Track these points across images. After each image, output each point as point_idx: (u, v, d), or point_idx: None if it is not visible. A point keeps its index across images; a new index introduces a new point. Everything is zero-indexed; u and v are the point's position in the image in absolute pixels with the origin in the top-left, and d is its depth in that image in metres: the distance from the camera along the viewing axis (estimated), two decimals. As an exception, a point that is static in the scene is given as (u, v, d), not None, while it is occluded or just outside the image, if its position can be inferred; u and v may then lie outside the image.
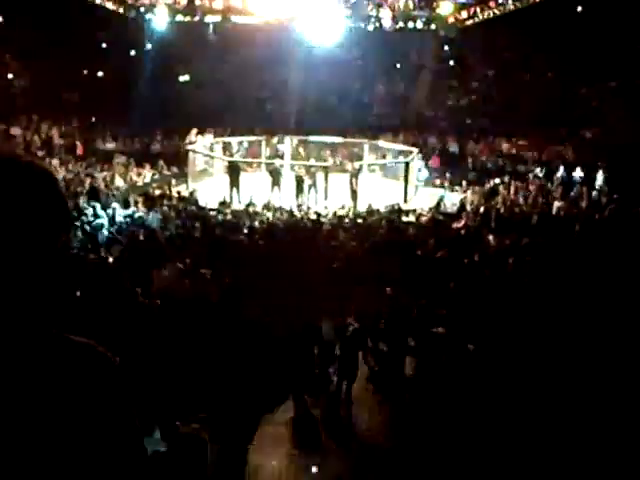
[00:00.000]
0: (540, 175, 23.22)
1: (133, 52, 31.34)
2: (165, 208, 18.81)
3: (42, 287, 1.57)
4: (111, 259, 14.04)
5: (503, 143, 26.94)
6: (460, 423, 9.33)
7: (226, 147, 24.60)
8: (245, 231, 17.16)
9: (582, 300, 11.93)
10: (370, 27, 31.51)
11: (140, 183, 22.47)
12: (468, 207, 20.49)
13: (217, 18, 31.69)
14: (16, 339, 1.49)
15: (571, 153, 24.63)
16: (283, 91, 30.32)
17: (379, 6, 31.00)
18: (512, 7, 28.81)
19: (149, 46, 31.00)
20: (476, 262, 14.94)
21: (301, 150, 25.98)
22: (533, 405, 8.95)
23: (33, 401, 1.46)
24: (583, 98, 26.20)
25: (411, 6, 31.90)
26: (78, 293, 11.35)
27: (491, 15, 29.46)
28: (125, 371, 1.62)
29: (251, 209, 19.33)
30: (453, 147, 28.38)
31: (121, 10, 30.87)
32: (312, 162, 23.03)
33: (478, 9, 30.24)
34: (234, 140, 25.13)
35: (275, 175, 22.38)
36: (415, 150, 23.79)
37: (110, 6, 30.43)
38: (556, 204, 20.22)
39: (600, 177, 21.77)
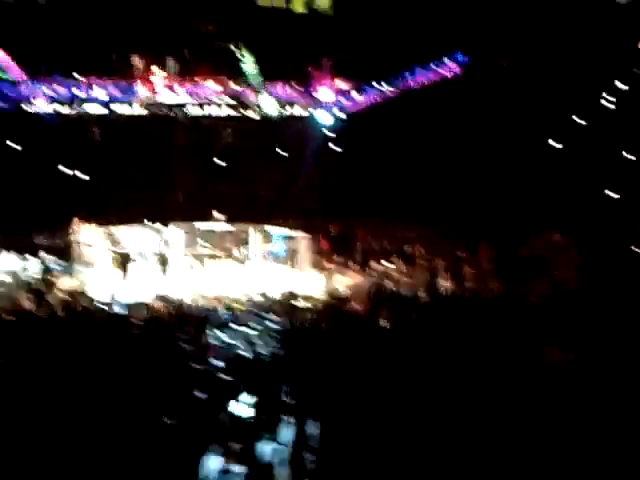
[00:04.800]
0: (426, 255, 23.73)
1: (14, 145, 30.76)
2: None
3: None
4: None
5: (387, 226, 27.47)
6: None
7: (113, 237, 24.24)
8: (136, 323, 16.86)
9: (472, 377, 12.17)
10: (251, 113, 32.01)
11: (24, 278, 21.90)
12: (358, 289, 20.76)
13: (99, 109, 31.62)
14: None
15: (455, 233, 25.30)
16: (166, 180, 30.29)
17: (257, 92, 31.56)
18: (389, 93, 29.86)
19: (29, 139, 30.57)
20: (370, 343, 15.05)
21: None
22: None
23: None
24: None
25: (291, 92, 32.59)
26: None
27: (370, 100, 30.41)
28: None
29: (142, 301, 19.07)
30: (334, 230, 28.70)
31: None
32: (200, 249, 22.94)
33: (356, 94, 31.18)
34: (121, 230, 24.81)
35: (161, 264, 22.28)
36: (302, 234, 24.01)
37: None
38: (442, 283, 20.73)
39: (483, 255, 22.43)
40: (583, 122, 25.35)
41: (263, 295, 19.75)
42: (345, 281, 22.08)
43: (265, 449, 12.23)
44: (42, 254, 22.80)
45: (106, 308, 18.44)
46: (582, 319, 15.08)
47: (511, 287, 18.98)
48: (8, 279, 21.55)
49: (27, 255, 23.19)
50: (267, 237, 25.56)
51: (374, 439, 10.63)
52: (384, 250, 25.37)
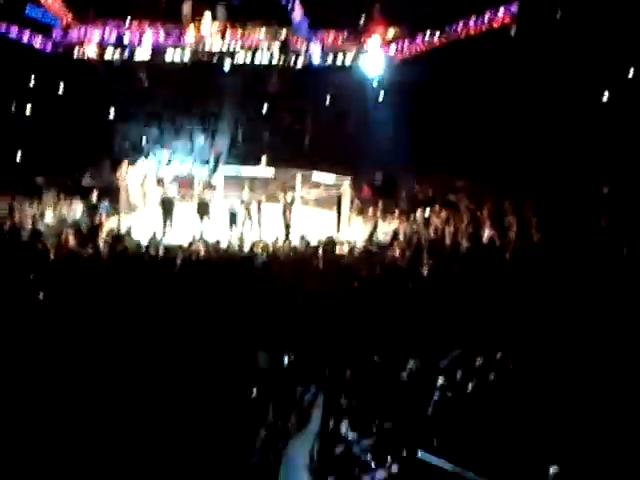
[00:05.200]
0: (470, 205, 23.51)
1: (62, 89, 31.10)
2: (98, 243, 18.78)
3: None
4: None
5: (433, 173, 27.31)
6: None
7: (159, 180, 24.43)
8: (179, 265, 17.06)
9: (514, 329, 12.13)
10: (299, 63, 31.91)
11: (71, 218, 22.22)
12: (401, 237, 20.70)
13: (147, 55, 31.77)
14: None
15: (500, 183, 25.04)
16: (215, 124, 30.45)
17: (308, 41, 31.37)
18: (438, 43, 29.50)
19: (79, 83, 30.88)
20: (410, 290, 15.06)
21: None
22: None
23: None
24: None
25: (340, 41, 32.37)
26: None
27: (419, 50, 30.09)
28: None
29: (185, 243, 19.24)
30: (378, 177, 28.58)
31: (49, 48, 30.73)
32: (245, 194, 23.00)
33: (406, 44, 30.86)
34: (167, 173, 25.01)
35: (202, 208, 22.40)
36: (347, 180, 23.96)
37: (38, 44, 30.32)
38: (486, 233, 20.55)
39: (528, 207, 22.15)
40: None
41: (304, 240, 19.78)
42: (387, 228, 22.04)
43: (302, 393, 12.41)
44: (89, 195, 23.05)
45: (150, 250, 18.68)
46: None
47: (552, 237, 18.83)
48: (56, 219, 21.87)
49: (74, 195, 23.51)
50: (312, 183, 25.54)
51: (406, 383, 10.73)
52: (428, 199, 25.22)
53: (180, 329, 12.34)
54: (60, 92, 31.06)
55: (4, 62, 28.45)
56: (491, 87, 26.55)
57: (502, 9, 27.25)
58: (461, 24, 28.58)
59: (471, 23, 28.24)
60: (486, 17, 27.77)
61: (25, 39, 30.12)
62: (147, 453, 8.99)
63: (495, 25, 27.64)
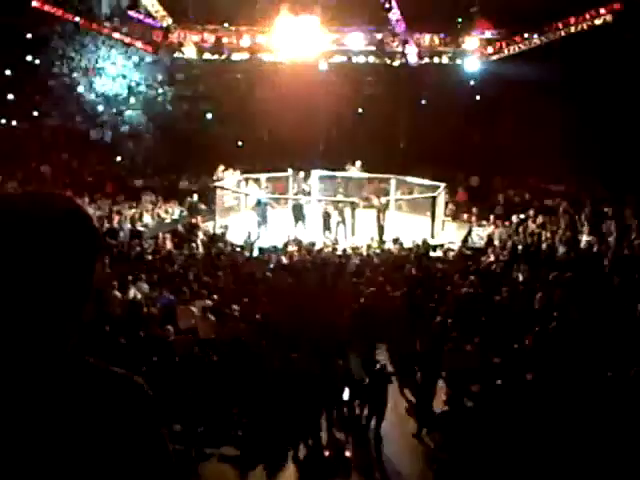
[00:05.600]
0: (569, 210, 22.96)
1: (160, 90, 31.61)
2: (194, 244, 19.14)
3: (78, 317, 1.60)
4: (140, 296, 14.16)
5: (530, 178, 26.83)
6: (493, 457, 9.24)
7: (254, 183, 24.67)
8: (272, 267, 17.20)
9: (611, 336, 11.80)
10: (396, 63, 31.71)
11: (168, 220, 22.64)
12: (496, 242, 20.42)
13: (244, 56, 32.00)
14: (53, 368, 1.52)
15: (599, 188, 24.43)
16: (308, 127, 30.48)
17: (405, 42, 31.13)
18: (537, 42, 28.88)
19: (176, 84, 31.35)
20: (505, 297, 14.84)
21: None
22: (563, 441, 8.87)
23: (69, 428, 1.49)
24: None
25: (437, 42, 32.06)
26: (107, 327, 11.51)
27: (517, 50, 29.52)
28: (158, 402, 1.65)
29: (279, 246, 19.40)
30: (474, 181, 28.22)
31: (149, 49, 31.25)
32: (339, 197, 23.02)
33: (504, 44, 30.34)
34: (261, 176, 25.21)
35: (297, 211, 22.46)
36: (442, 185, 23.72)
37: (139, 45, 30.84)
38: (585, 239, 20.07)
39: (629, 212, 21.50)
40: None
41: (397, 244, 19.72)
42: (482, 233, 21.75)
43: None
44: (186, 198, 23.49)
45: (244, 251, 18.94)
46: None
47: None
48: (153, 221, 22.33)
49: (172, 198, 23.97)
50: (407, 187, 25.42)
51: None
52: (524, 203, 24.81)
53: (270, 327, 12.51)
54: (159, 95, 31.61)
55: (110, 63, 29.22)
56: (592, 89, 25.90)
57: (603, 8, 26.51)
58: (560, 23, 27.93)
59: (571, 21, 27.56)
60: (587, 15, 27.04)
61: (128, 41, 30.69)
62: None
63: (596, 23, 26.90)
